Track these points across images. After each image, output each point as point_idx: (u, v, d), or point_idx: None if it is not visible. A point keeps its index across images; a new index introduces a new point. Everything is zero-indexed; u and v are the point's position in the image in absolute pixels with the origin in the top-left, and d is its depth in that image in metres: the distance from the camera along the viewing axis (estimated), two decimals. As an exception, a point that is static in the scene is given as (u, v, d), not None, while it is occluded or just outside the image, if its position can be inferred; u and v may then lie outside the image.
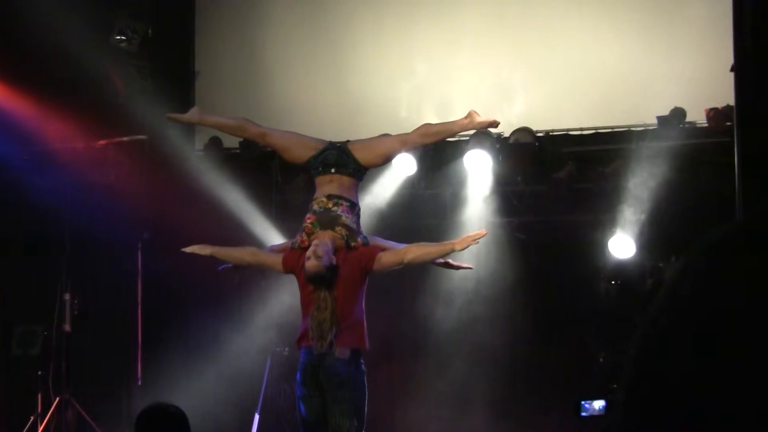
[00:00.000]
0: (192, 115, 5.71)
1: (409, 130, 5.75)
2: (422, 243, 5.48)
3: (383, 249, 5.42)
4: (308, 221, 5.43)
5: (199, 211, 8.92)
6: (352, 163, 5.46)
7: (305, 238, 5.40)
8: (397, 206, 9.08)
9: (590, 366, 8.48)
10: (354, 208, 5.47)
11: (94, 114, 8.98)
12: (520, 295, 8.99)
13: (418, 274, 8.42)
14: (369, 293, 5.44)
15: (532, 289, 9.00)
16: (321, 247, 5.24)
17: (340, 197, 5.41)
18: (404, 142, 5.58)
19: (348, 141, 5.63)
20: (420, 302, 9.08)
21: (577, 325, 8.79)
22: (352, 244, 5.34)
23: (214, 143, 9.36)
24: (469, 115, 5.41)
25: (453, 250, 5.35)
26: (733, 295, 1.41)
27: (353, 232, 5.39)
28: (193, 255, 5.61)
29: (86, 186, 9.06)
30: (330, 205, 5.39)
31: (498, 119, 5.50)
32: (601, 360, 8.37)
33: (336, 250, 5.33)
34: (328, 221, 5.39)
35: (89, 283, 9.29)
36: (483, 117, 5.40)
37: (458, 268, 5.80)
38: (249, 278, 8.72)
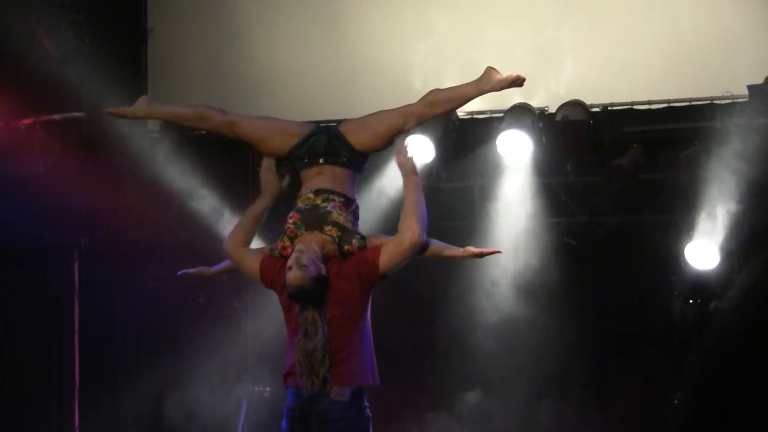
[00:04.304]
0: (139, 107, 5.31)
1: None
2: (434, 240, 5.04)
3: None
4: (290, 221, 4.97)
5: (154, 210, 8.59)
6: (344, 150, 5.10)
7: (287, 243, 4.93)
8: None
9: (661, 408, 8.19)
10: (350, 204, 5.04)
11: (15, 84, 8.45)
12: (570, 315, 8.65)
13: (441, 285, 8.23)
14: (375, 312, 4.95)
15: (586, 308, 8.68)
16: (306, 254, 4.77)
17: (331, 191, 5.02)
18: (408, 116, 5.12)
19: (339, 122, 5.30)
20: (444, 321, 8.79)
21: (645, 355, 8.47)
22: (346, 248, 4.87)
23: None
24: (486, 73, 5.02)
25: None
26: None
27: (347, 232, 4.91)
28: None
29: (6, 178, 8.54)
30: (318, 201, 4.98)
31: (524, 76, 4.97)
32: (675, 402, 7.81)
33: (327, 258, 4.85)
34: (314, 220, 4.93)
35: (11, 301, 8.89)
36: (503, 74, 5.00)
37: (481, 255, 5.26)
38: (218, 297, 8.44)
